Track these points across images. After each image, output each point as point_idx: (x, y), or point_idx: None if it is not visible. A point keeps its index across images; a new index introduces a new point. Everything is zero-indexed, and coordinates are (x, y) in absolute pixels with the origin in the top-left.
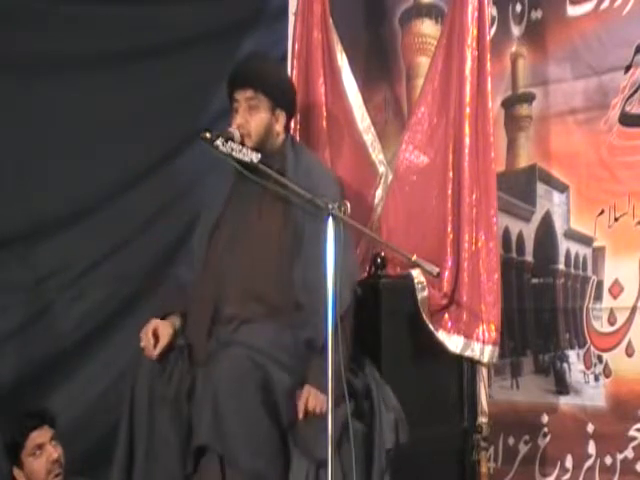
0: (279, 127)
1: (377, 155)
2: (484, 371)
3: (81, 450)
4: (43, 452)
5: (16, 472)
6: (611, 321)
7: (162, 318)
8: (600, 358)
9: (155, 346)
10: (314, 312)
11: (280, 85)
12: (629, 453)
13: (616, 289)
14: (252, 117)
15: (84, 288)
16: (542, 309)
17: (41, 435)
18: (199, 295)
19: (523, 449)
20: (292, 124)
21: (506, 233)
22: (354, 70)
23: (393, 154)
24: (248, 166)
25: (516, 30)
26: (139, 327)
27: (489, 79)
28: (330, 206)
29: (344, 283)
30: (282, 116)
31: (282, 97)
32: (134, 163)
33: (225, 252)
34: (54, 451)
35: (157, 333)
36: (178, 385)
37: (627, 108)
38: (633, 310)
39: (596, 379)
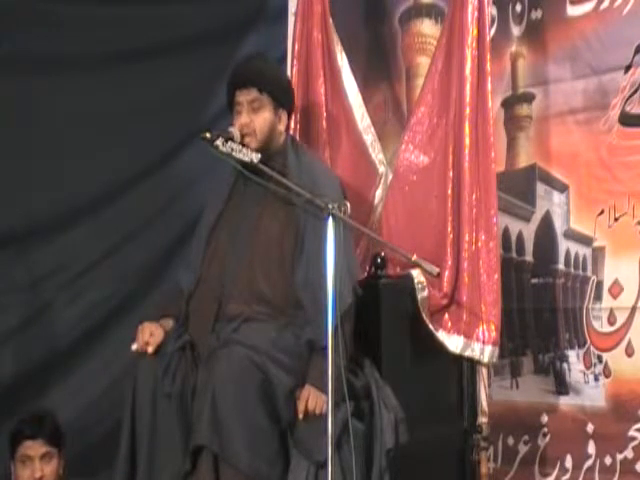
0: (282, 127)
1: (377, 155)
2: (484, 371)
3: (80, 449)
4: (30, 465)
5: (12, 468)
6: (611, 321)
7: (156, 320)
8: (600, 358)
9: (149, 344)
10: (315, 313)
11: (282, 85)
12: (629, 453)
13: (616, 289)
14: (256, 116)
15: (82, 288)
16: (542, 309)
17: (32, 448)
18: (202, 293)
19: (523, 449)
20: (292, 124)
21: (506, 233)
22: (354, 70)
23: (393, 154)
24: (248, 166)
25: (516, 30)
26: (136, 327)
27: (489, 79)
28: (330, 206)
29: (345, 283)
30: (284, 116)
31: (284, 97)
32: (133, 163)
33: (227, 252)
34: (39, 470)
35: (152, 333)
36: (183, 383)
37: (627, 108)
38: (633, 310)
39: (596, 379)
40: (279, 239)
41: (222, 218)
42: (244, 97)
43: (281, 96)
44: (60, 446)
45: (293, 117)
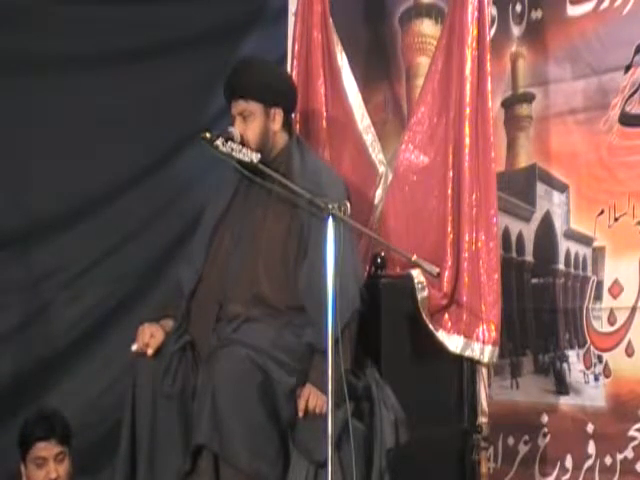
0: (276, 125)
1: (377, 155)
2: (484, 371)
3: (80, 449)
4: (44, 466)
5: (22, 468)
6: (611, 321)
7: (156, 321)
8: (600, 358)
9: (149, 345)
10: (319, 317)
11: (270, 85)
12: (629, 453)
13: (616, 289)
14: (248, 126)
15: (82, 288)
16: (542, 309)
17: (46, 449)
18: (203, 294)
19: (523, 449)
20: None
21: (506, 233)
22: (354, 70)
23: (393, 154)
24: (249, 166)
25: (516, 30)
26: (136, 327)
27: (489, 79)
28: (330, 206)
29: (352, 288)
30: (278, 114)
31: (275, 96)
32: (133, 163)
33: (230, 252)
34: (53, 470)
35: (152, 335)
36: (183, 383)
37: (627, 108)
38: (633, 310)
39: (596, 379)
40: (282, 241)
41: (225, 218)
42: (234, 108)
43: (270, 97)
44: (70, 444)
45: (293, 115)
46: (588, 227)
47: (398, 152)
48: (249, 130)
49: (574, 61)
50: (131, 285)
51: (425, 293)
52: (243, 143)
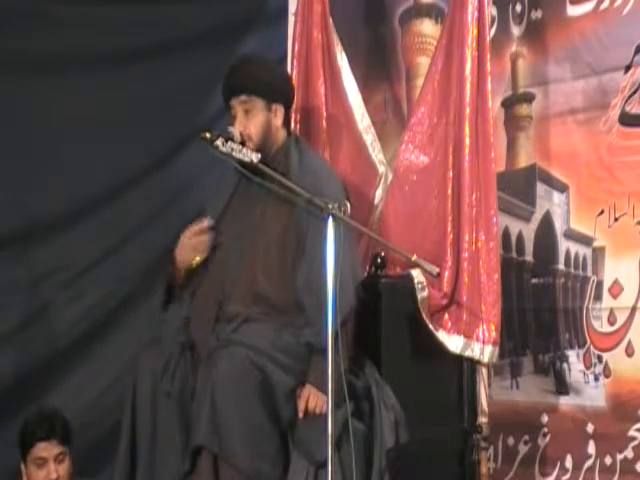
0: (278, 121)
1: (377, 155)
2: (484, 371)
3: (80, 449)
4: (44, 467)
5: (22, 468)
6: (611, 321)
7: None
8: (600, 358)
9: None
10: (317, 315)
11: (271, 81)
12: (629, 453)
13: (616, 289)
14: (250, 121)
15: (82, 288)
16: (542, 309)
17: (47, 449)
18: (203, 293)
19: (523, 449)
20: (293, 120)
21: (506, 233)
22: (354, 70)
23: (393, 154)
24: (248, 166)
25: (516, 30)
26: (137, 327)
27: (489, 79)
28: (330, 206)
29: (348, 285)
30: (280, 109)
31: (276, 92)
32: (133, 163)
33: (229, 252)
34: (54, 471)
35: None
36: (182, 382)
37: (627, 108)
38: (633, 310)
39: (596, 379)
40: (281, 239)
41: (224, 217)
42: (236, 104)
43: (271, 92)
44: (70, 444)
45: (293, 115)
46: (588, 227)
47: (398, 152)
48: (252, 124)
49: (574, 61)
50: (131, 285)
51: (425, 293)
52: (243, 143)
